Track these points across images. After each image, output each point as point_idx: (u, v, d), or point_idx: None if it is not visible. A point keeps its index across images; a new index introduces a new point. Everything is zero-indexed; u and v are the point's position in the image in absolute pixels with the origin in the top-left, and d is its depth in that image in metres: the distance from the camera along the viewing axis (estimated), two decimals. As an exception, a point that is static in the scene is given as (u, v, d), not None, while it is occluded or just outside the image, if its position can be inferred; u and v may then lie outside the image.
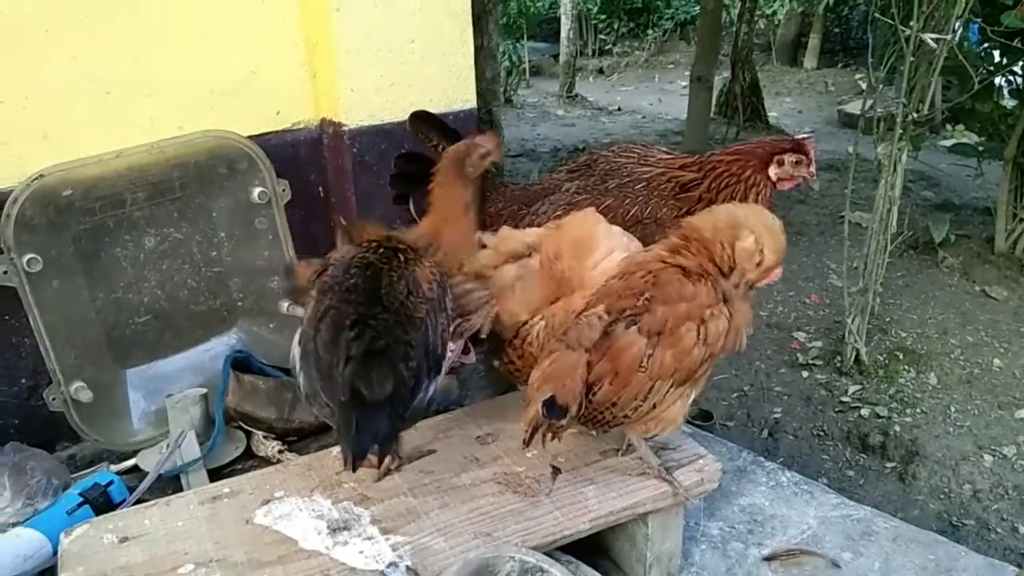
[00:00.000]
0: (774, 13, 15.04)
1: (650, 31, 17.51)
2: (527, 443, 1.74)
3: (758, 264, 1.67)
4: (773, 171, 2.25)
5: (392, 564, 1.59)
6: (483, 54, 5.19)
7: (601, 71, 16.60)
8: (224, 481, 1.90)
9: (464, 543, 1.64)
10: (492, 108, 5.51)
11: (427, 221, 1.97)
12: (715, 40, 9.04)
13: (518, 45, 13.98)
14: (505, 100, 12.90)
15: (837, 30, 15.42)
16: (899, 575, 1.88)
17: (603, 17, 17.62)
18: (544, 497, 1.76)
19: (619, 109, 12.94)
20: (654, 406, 1.68)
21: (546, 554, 1.64)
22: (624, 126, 11.60)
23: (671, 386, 1.66)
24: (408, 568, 1.58)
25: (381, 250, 1.74)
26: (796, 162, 2.25)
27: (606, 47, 17.65)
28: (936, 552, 1.93)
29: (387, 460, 1.85)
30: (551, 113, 12.89)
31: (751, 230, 1.65)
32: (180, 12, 2.36)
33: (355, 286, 1.65)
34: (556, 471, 1.84)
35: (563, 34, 13.78)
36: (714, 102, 9.61)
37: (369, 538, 1.66)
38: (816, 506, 2.13)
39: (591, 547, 1.88)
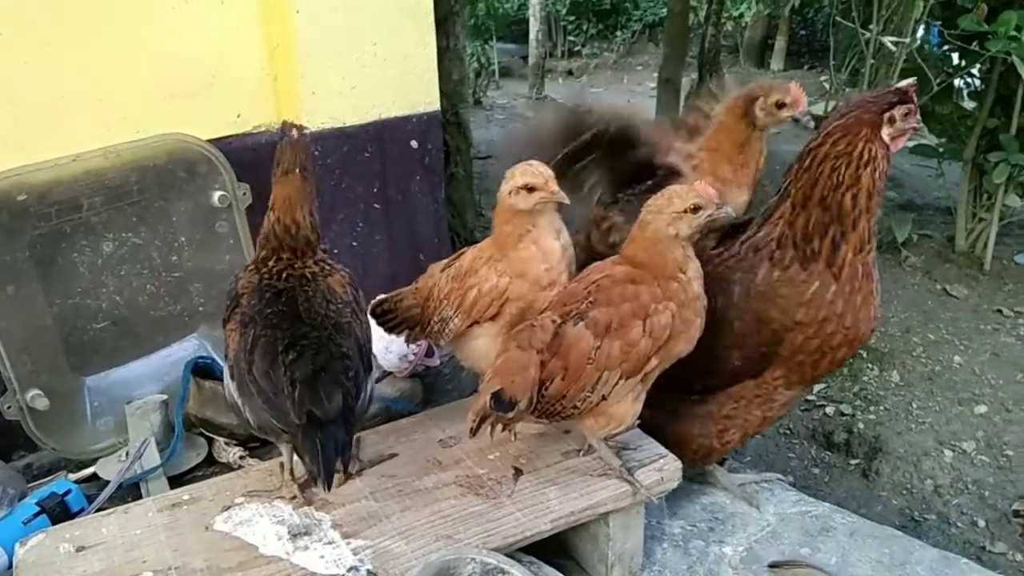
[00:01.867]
0: (741, 15, 15.20)
1: (619, 32, 17.60)
2: (473, 433, 1.75)
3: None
4: (886, 132, 1.86)
5: (353, 568, 1.58)
6: (450, 56, 5.18)
7: (571, 72, 16.65)
8: (184, 488, 1.88)
9: (425, 546, 1.64)
10: (460, 110, 5.50)
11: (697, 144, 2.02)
12: (682, 42, 9.12)
13: (487, 46, 13.96)
14: (475, 102, 12.89)
15: (803, 32, 15.60)
16: (855, 569, 1.91)
17: (572, 18, 17.68)
18: (506, 499, 1.77)
19: (589, 111, 13.00)
20: (603, 398, 1.73)
21: (508, 555, 1.65)
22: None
23: (620, 377, 1.71)
24: (369, 572, 1.58)
25: (284, 274, 1.74)
26: (906, 113, 1.85)
27: (575, 48, 17.71)
28: (891, 546, 1.96)
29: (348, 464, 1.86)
30: (521, 114, 12.90)
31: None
32: (138, 15, 2.35)
33: (275, 312, 1.66)
34: (518, 472, 1.85)
35: (532, 35, 13.81)
36: (682, 103, 9.70)
37: (330, 543, 1.66)
38: (776, 503, 2.15)
39: (555, 547, 1.89)
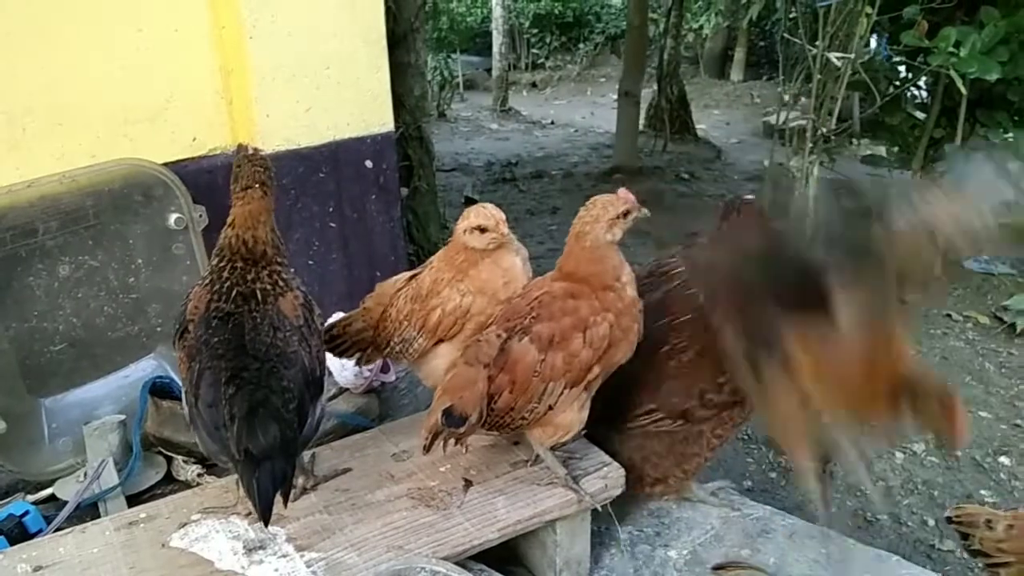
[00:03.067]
0: (701, 27, 15.46)
1: (581, 45, 17.81)
2: (427, 449, 1.82)
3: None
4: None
5: (305, 580, 1.64)
6: (412, 72, 5.25)
7: (534, 85, 16.82)
8: (141, 506, 1.92)
9: (377, 556, 1.69)
10: (422, 125, 5.57)
11: None
12: (641, 56, 9.30)
13: (450, 59, 14.08)
14: (439, 114, 12.99)
15: (762, 43, 15.89)
16: (793, 568, 2.00)
17: (535, 31, 17.85)
18: (456, 509, 1.83)
19: (552, 123, 13.14)
20: (550, 407, 1.80)
21: (458, 563, 1.71)
22: (557, 140, 11.79)
23: (564, 387, 1.78)
24: (321, 583, 1.63)
25: (234, 293, 1.74)
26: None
27: (539, 61, 17.89)
28: (827, 546, 2.05)
29: (301, 480, 1.90)
30: (485, 127, 13.02)
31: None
32: (93, 42, 2.39)
33: (221, 341, 1.66)
34: (468, 484, 1.91)
35: (495, 48, 13.95)
36: (643, 116, 9.86)
37: (284, 556, 1.71)
38: (720, 508, 2.23)
39: (508, 555, 1.96)
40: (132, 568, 1.69)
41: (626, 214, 1.81)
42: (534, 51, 17.85)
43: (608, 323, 1.77)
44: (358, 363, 2.23)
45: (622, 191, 1.85)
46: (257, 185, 1.80)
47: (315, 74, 2.66)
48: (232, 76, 2.61)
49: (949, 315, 5.35)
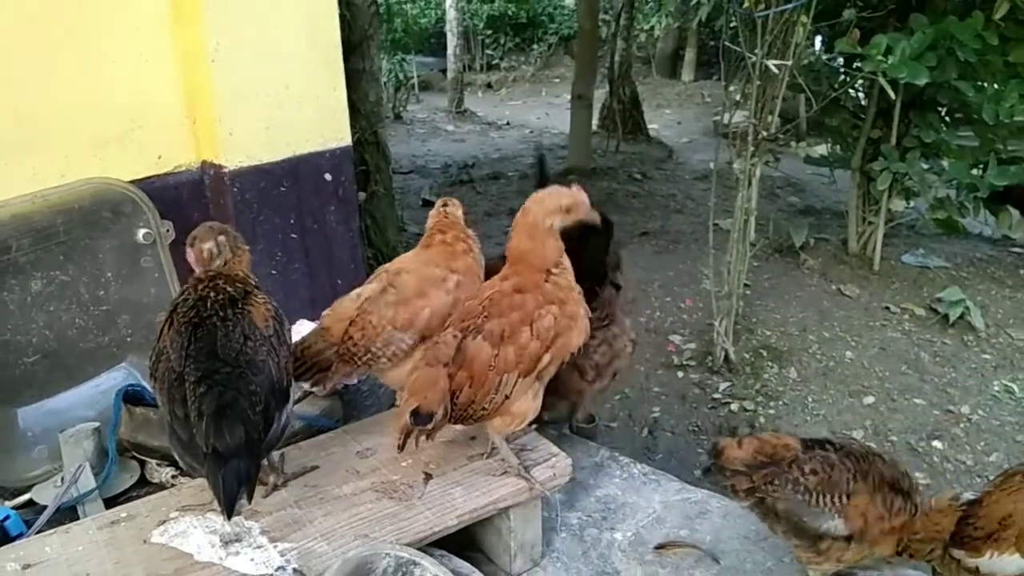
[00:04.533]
0: (652, 28, 15.72)
1: (535, 46, 18.01)
2: (401, 448, 1.99)
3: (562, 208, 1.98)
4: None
5: (280, 568, 1.78)
6: (366, 77, 5.37)
7: (489, 86, 16.97)
8: (121, 507, 2.04)
9: (344, 545, 1.84)
10: (378, 130, 5.69)
11: None
12: (592, 59, 9.49)
13: (405, 62, 14.17)
14: (395, 116, 13.08)
15: (712, 43, 16.17)
16: (726, 544, 2.19)
17: (489, 32, 17.99)
18: (417, 500, 1.99)
19: (508, 124, 13.30)
20: (507, 397, 1.95)
21: (421, 550, 1.87)
22: (512, 141, 11.95)
23: (518, 377, 1.94)
24: (295, 570, 1.77)
25: (209, 301, 1.86)
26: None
27: (493, 62, 18.05)
28: (757, 523, 2.23)
29: (272, 478, 2.04)
30: (441, 128, 13.13)
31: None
32: (60, 67, 2.49)
33: (194, 348, 1.79)
34: (428, 477, 2.07)
35: (450, 50, 14.06)
36: (596, 117, 10.06)
37: (259, 547, 1.85)
38: (661, 492, 2.42)
39: (467, 542, 2.12)
40: (117, 563, 1.81)
41: (569, 210, 1.97)
42: (488, 52, 18.02)
43: (552, 315, 1.94)
44: (313, 384, 2.31)
45: (575, 187, 2.00)
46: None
47: (275, 93, 2.79)
48: (195, 97, 2.72)
49: (887, 307, 5.62)
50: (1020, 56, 4.94)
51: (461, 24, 14.53)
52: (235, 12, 2.66)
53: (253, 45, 2.70)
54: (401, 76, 13.52)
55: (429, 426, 1.93)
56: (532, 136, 12.14)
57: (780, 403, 4.75)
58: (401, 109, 13.54)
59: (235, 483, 1.72)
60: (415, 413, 1.91)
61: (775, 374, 5.01)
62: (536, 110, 14.54)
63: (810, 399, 4.77)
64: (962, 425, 4.53)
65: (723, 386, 4.91)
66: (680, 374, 5.07)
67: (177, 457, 1.83)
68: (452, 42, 13.99)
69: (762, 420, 4.65)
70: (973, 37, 4.77)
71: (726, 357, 5.04)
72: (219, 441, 1.69)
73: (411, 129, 12.84)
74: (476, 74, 17.11)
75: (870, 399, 4.76)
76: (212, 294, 1.86)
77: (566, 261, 2.01)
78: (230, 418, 1.71)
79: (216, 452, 1.70)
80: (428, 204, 8.40)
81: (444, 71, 15.40)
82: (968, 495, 1.81)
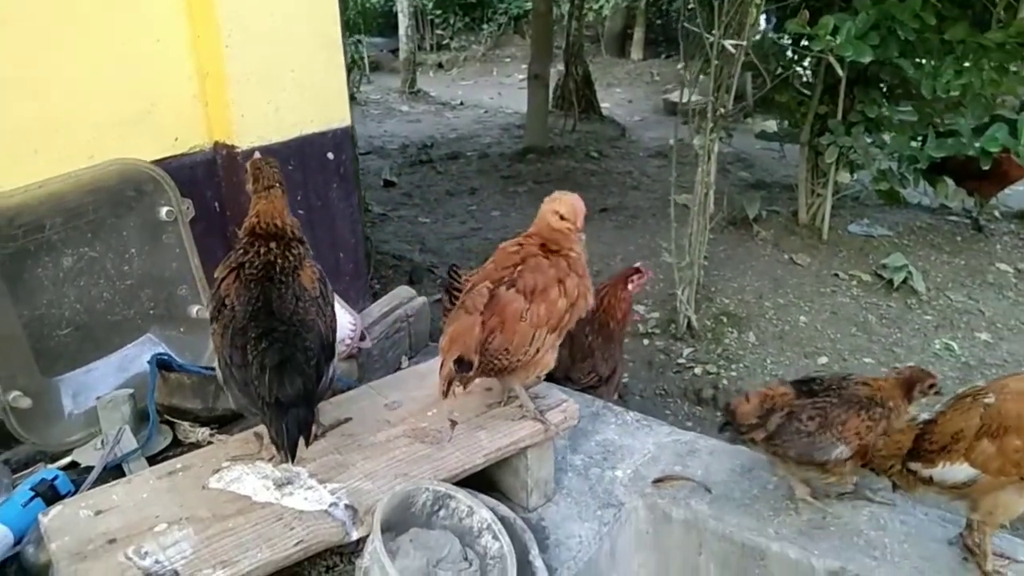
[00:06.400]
0: (601, 7, 15.92)
1: (485, 25, 18.09)
2: (445, 394, 2.20)
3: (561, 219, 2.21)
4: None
5: (333, 504, 2.00)
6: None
7: (441, 66, 17.00)
8: (174, 459, 2.23)
9: (387, 483, 2.06)
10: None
11: None
12: (548, 40, 9.66)
13: (359, 43, 14.17)
14: (350, 97, 13.09)
15: (659, 22, 16.44)
16: (716, 476, 2.47)
17: (439, 12, 18.00)
18: (447, 443, 2.22)
19: (461, 103, 13.37)
20: (537, 351, 2.18)
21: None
22: (468, 121, 12.05)
23: (547, 332, 2.17)
24: (347, 506, 1.99)
25: (262, 268, 2.05)
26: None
27: (444, 42, 18.07)
28: (741, 458, 2.53)
29: (313, 429, 2.25)
30: (395, 109, 13.16)
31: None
32: (81, 52, 2.62)
33: (252, 310, 1.98)
34: (453, 423, 2.30)
35: (402, 30, 14.07)
36: (551, 96, 10.25)
37: (310, 488, 2.06)
38: (654, 436, 2.70)
39: (487, 485, 2.36)
40: (182, 506, 2.01)
41: (562, 217, 2.19)
42: (439, 32, 18.04)
43: (575, 277, 2.18)
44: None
45: (573, 200, 2.22)
46: (277, 184, 2.14)
47: (282, 76, 2.96)
48: (209, 81, 2.88)
49: (837, 274, 5.95)
50: (955, 34, 5.22)
51: (411, 4, 14.56)
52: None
53: (263, 30, 2.87)
54: (356, 56, 13.52)
55: (470, 373, 2.14)
56: (487, 116, 12.27)
57: (741, 366, 5.03)
58: (355, 90, 13.53)
59: (296, 429, 1.93)
60: (459, 361, 2.12)
61: (735, 339, 5.29)
62: (488, 90, 14.65)
63: (768, 361, 5.07)
64: (907, 380, 4.88)
65: (687, 352, 5.16)
66: (646, 342, 5.32)
67: (232, 398, 2.04)
68: (404, 23, 14.02)
69: (725, 382, 4.92)
70: (912, 17, 5.04)
71: (689, 324, 5.30)
72: (281, 392, 1.90)
73: (365, 110, 12.85)
74: (427, 54, 17.13)
75: (823, 359, 5.07)
76: (279, 261, 2.06)
77: (579, 247, 2.25)
78: (290, 371, 1.92)
79: (278, 402, 1.91)
80: (389, 184, 8.57)
81: (394, 51, 15.40)
82: (924, 416, 2.12)
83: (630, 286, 3.43)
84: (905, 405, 2.17)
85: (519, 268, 2.18)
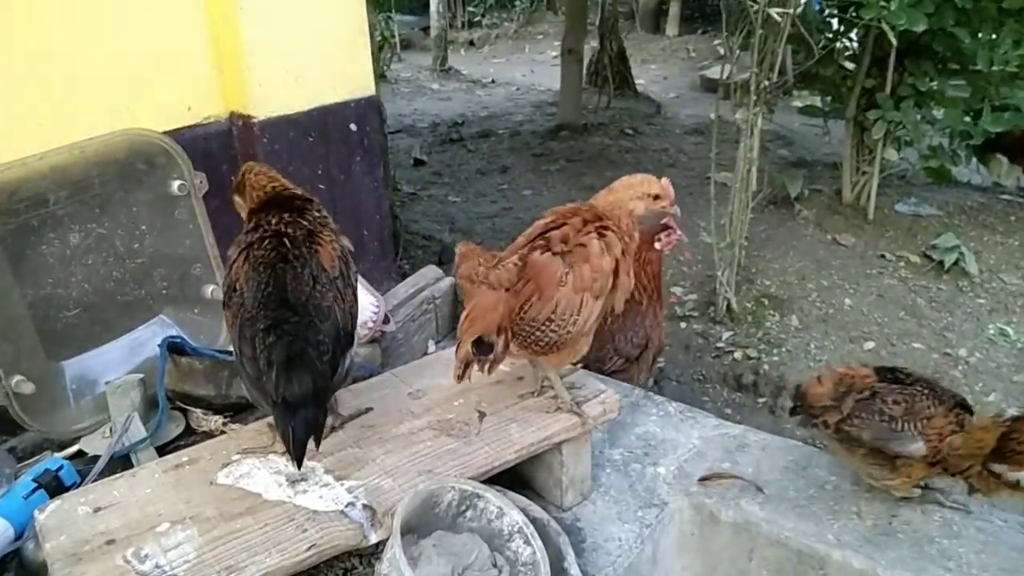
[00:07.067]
0: (637, -19, 15.57)
1: (518, 2, 17.80)
2: (460, 378, 2.00)
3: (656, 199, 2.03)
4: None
5: (350, 504, 1.83)
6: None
7: (472, 43, 16.79)
8: (181, 451, 2.07)
9: (410, 481, 1.89)
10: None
11: None
12: (582, 13, 9.41)
13: (389, 20, 13.97)
14: (380, 75, 12.92)
15: (696, -3, 16.08)
16: (768, 475, 2.27)
17: (471, -11, 17.75)
18: (474, 437, 2.04)
19: (493, 81, 13.17)
20: (587, 320, 1.95)
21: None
22: (500, 98, 11.85)
23: (593, 297, 1.94)
24: (365, 506, 1.82)
25: (287, 238, 1.88)
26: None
27: (475, 19, 17.82)
28: (795, 454, 2.33)
29: (330, 419, 2.08)
30: (426, 87, 13.00)
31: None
32: (92, 22, 2.47)
33: (264, 296, 1.81)
34: (482, 415, 2.11)
35: (433, 7, 13.89)
36: (584, 72, 10.01)
37: (325, 485, 1.89)
38: (699, 428, 2.50)
39: (518, 481, 2.17)
40: (187, 503, 1.85)
41: (656, 197, 1.99)
42: (470, 9, 17.79)
43: (617, 238, 1.94)
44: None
45: (665, 180, 2.03)
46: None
47: (302, 43, 2.78)
48: (223, 47, 2.71)
49: (883, 255, 5.71)
50: (1014, 2, 4.96)
51: (443, -19, 14.33)
52: (263, -39, 2.65)
53: (280, -6, 2.69)
54: (387, 33, 13.33)
55: (491, 356, 1.94)
56: (519, 93, 12.05)
57: (783, 350, 4.83)
58: (385, 68, 13.36)
59: (304, 432, 1.75)
60: (477, 342, 1.93)
61: (777, 322, 5.08)
62: (520, 67, 14.41)
63: (812, 345, 4.86)
64: (960, 367, 4.63)
65: (726, 335, 4.97)
66: (683, 324, 5.13)
67: (245, 389, 1.87)
68: (435, 0, 13.81)
69: (766, 367, 4.72)
70: (969, -17, 4.80)
71: (728, 307, 5.10)
72: (288, 391, 1.72)
73: (396, 88, 12.69)
74: (458, 32, 16.91)
75: (870, 344, 4.85)
76: (290, 230, 1.88)
77: (636, 240, 2.04)
78: (299, 369, 1.74)
79: (285, 402, 1.73)
80: (419, 163, 8.40)
81: (425, 29, 15.20)
82: (1012, 411, 1.90)
83: (657, 245, 2.92)
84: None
85: (547, 236, 1.96)
